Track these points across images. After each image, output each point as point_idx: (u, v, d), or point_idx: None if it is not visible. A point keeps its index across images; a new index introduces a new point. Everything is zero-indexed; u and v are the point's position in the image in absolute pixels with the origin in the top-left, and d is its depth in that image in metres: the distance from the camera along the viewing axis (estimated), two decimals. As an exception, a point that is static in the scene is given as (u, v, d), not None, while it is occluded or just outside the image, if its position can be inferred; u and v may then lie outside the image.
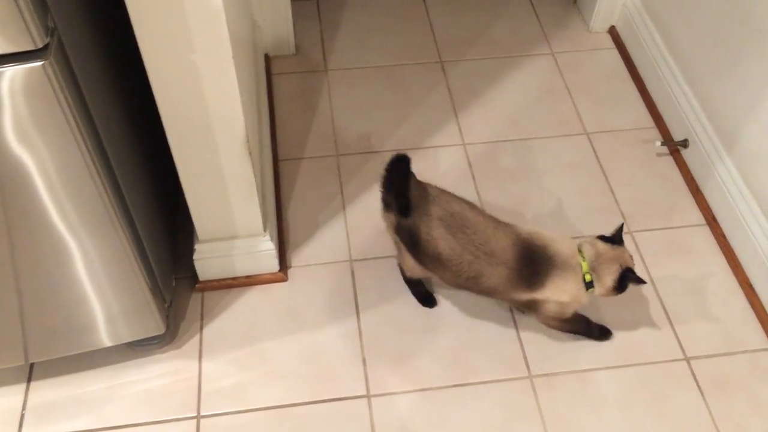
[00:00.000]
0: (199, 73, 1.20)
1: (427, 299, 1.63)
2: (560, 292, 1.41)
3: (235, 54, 1.23)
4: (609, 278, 1.40)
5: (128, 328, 1.43)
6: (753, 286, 1.66)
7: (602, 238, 1.45)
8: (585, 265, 1.40)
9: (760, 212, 1.64)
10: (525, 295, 1.43)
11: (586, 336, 1.58)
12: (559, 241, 1.43)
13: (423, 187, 1.45)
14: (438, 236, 1.39)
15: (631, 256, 1.44)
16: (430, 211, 1.40)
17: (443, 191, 1.46)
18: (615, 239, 1.44)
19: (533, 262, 1.39)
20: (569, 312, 1.47)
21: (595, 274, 1.40)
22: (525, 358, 1.57)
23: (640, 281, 1.40)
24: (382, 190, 1.44)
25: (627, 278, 1.39)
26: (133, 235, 1.28)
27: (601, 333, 1.58)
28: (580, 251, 1.42)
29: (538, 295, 1.42)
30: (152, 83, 1.21)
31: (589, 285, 1.41)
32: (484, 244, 1.39)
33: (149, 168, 1.47)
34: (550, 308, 1.45)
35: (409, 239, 1.44)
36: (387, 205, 1.45)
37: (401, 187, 1.40)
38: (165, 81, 1.21)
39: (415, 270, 1.53)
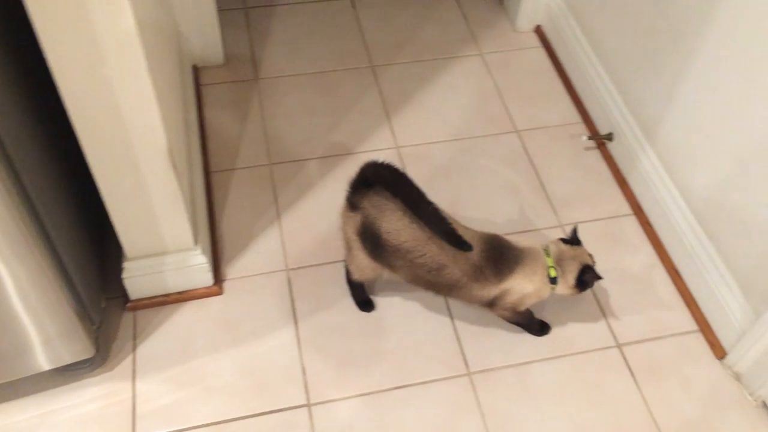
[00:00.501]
0: (114, 87, 1.17)
1: (365, 303, 1.64)
2: (527, 282, 1.45)
3: (152, 66, 1.21)
4: (570, 275, 1.46)
5: (56, 352, 1.39)
6: (678, 271, 1.71)
7: (563, 240, 1.51)
8: (550, 261, 1.46)
9: (681, 199, 1.70)
10: (488, 288, 1.45)
11: (527, 330, 1.61)
12: (525, 241, 1.50)
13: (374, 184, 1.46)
14: (403, 227, 1.40)
15: (590, 255, 1.49)
16: (381, 203, 1.42)
17: None
18: (573, 241, 1.50)
19: (502, 255, 1.45)
20: (527, 304, 1.51)
21: (560, 270, 1.46)
22: (463, 355, 1.58)
23: (597, 277, 1.48)
24: (349, 191, 1.45)
25: (586, 274, 1.45)
26: (53, 258, 1.25)
27: (541, 328, 1.62)
28: (545, 250, 1.48)
29: (505, 284, 1.45)
30: (64, 100, 1.18)
31: (552, 281, 1.45)
32: (437, 243, 1.41)
33: (73, 188, 1.43)
34: (511, 299, 1.48)
35: (372, 234, 1.42)
36: (353, 205, 1.44)
37: (363, 186, 1.44)
38: (78, 97, 1.18)
39: (366, 271, 1.53)
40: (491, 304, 1.50)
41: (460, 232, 1.40)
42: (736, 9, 1.43)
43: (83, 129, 1.23)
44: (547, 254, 1.47)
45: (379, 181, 1.43)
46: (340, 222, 1.51)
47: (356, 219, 1.44)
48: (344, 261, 1.61)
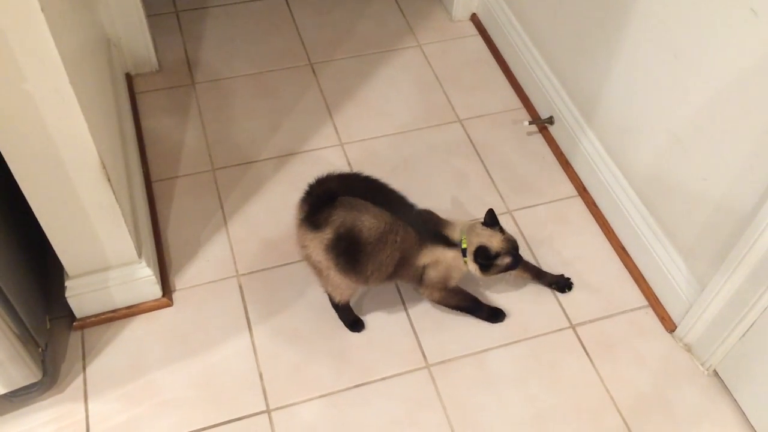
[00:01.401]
0: (36, 103, 1.13)
1: (355, 323, 1.60)
2: (440, 254, 1.47)
3: (75, 79, 1.17)
4: (471, 254, 1.46)
5: (1, 378, 1.34)
6: (626, 248, 1.75)
7: (483, 223, 1.51)
8: (463, 237, 1.47)
9: (622, 177, 1.73)
10: (418, 256, 1.46)
11: (476, 316, 1.61)
12: (452, 219, 1.52)
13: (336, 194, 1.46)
14: (379, 215, 1.41)
15: (509, 241, 1.48)
16: (353, 203, 1.41)
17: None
18: (488, 223, 1.50)
19: (429, 224, 1.47)
20: (452, 282, 1.52)
21: (469, 248, 1.47)
22: (421, 348, 1.58)
23: (495, 264, 1.47)
24: (307, 211, 1.42)
25: (479, 255, 1.45)
26: (-13, 282, 1.20)
27: (494, 314, 1.62)
28: (462, 227, 1.49)
29: (424, 257, 1.46)
30: (-15, 118, 1.13)
31: (464, 253, 1.47)
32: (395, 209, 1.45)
33: (6, 207, 1.38)
34: (432, 275, 1.49)
35: (351, 239, 1.40)
36: (316, 225, 1.41)
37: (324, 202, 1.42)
38: None
39: (344, 289, 1.50)
40: (420, 281, 1.51)
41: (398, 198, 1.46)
42: (662, -12, 1.46)
43: (8, 147, 1.19)
44: (462, 232, 1.49)
45: (347, 191, 1.42)
46: (301, 247, 1.47)
47: (323, 237, 1.41)
48: (322, 288, 1.58)
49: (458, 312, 1.61)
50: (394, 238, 1.42)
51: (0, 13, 1.01)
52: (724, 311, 1.45)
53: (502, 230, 1.50)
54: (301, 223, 1.44)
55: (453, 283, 1.53)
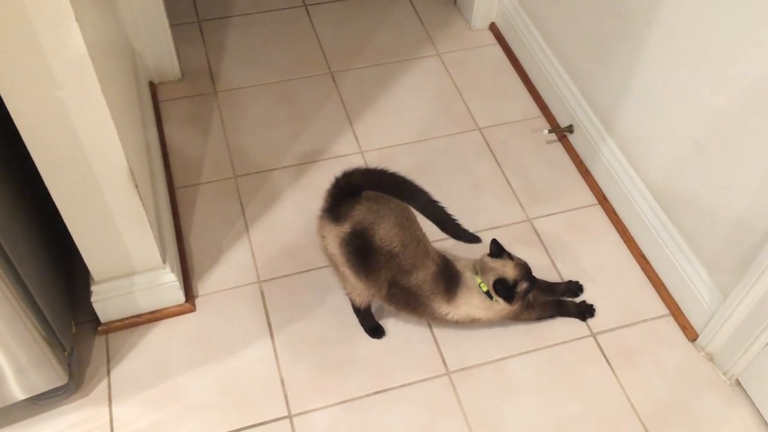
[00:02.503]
0: (68, 109, 1.15)
1: (375, 330, 1.61)
2: (469, 308, 1.48)
3: (106, 86, 1.19)
4: (492, 290, 1.45)
5: (29, 381, 1.36)
6: (646, 257, 1.74)
7: (490, 254, 1.50)
8: (478, 278, 1.46)
9: (643, 186, 1.73)
10: (442, 305, 1.46)
11: (564, 316, 1.65)
12: (460, 262, 1.50)
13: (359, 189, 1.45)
14: (395, 232, 1.40)
15: (519, 265, 1.47)
16: (380, 211, 1.41)
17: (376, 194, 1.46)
18: (494, 254, 1.49)
19: (451, 273, 1.47)
20: (487, 321, 1.54)
21: (489, 286, 1.46)
22: (441, 355, 1.59)
23: (522, 287, 1.46)
24: (330, 202, 1.43)
25: (497, 288, 1.43)
26: (19, 287, 1.22)
27: (583, 310, 1.65)
28: (474, 267, 1.48)
29: (454, 307, 1.47)
30: (18, 125, 1.15)
31: (489, 295, 1.46)
32: (421, 239, 1.44)
33: (35, 213, 1.40)
34: (469, 321, 1.51)
35: (362, 242, 1.40)
36: (336, 216, 1.41)
37: (348, 195, 1.43)
38: (31, 121, 1.16)
39: (362, 291, 1.50)
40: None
41: (423, 244, 1.44)
42: (683, -3, 1.47)
43: (39, 153, 1.21)
44: (476, 272, 1.47)
45: (372, 186, 1.41)
46: (320, 237, 1.47)
47: (340, 230, 1.41)
48: (344, 290, 1.58)
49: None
50: (408, 268, 1.41)
51: (34, 20, 1.03)
52: (747, 320, 1.45)
53: (510, 256, 1.49)
54: (323, 213, 1.45)
55: (497, 320, 1.55)
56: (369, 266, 1.42)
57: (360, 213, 1.40)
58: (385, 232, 1.39)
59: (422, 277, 1.42)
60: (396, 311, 1.53)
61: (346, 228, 1.41)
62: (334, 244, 1.44)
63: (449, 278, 1.46)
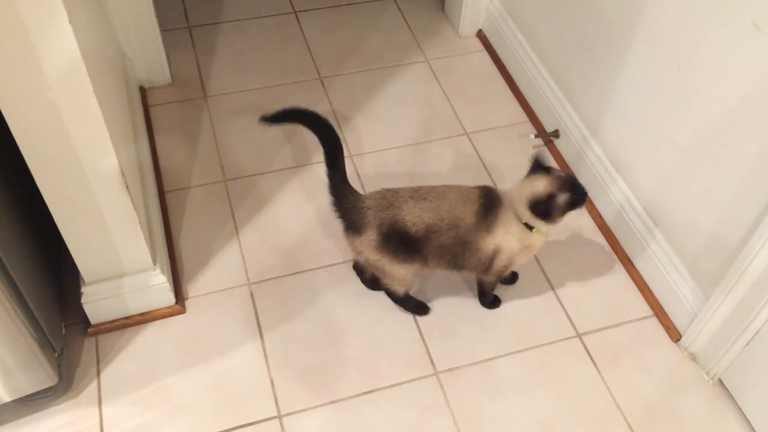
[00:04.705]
0: (60, 111, 1.17)
1: (422, 307, 1.65)
2: (509, 237, 1.43)
3: (98, 89, 1.21)
4: (525, 213, 1.39)
5: (16, 383, 1.36)
6: (631, 259, 1.77)
7: (529, 173, 1.43)
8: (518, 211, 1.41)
9: (628, 190, 1.76)
10: (487, 242, 1.43)
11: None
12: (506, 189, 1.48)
13: (358, 195, 1.49)
14: (420, 209, 1.41)
15: (555, 178, 1.37)
16: (395, 201, 1.44)
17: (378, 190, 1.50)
18: (535, 169, 1.41)
19: (492, 206, 1.43)
20: (518, 262, 1.54)
21: (523, 214, 1.40)
22: (429, 355, 1.60)
23: (554, 209, 1.36)
24: (342, 218, 1.47)
25: (534, 210, 1.36)
26: (9, 288, 1.22)
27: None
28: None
29: (493, 238, 1.43)
30: (10, 126, 1.16)
31: (529, 227, 1.41)
32: (445, 192, 1.44)
33: (25, 213, 1.41)
34: (502, 260, 1.48)
35: (398, 234, 1.42)
36: (356, 228, 1.45)
37: (351, 198, 1.46)
38: (24, 123, 1.17)
39: (407, 277, 1.53)
40: (487, 270, 1.50)
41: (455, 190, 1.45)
42: (664, 3, 1.50)
43: (31, 154, 1.22)
44: (512, 202, 1.42)
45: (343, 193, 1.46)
46: (354, 254, 1.53)
47: (369, 238, 1.45)
48: (385, 287, 1.61)
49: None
50: (449, 226, 1.42)
51: (27, 22, 1.05)
52: (728, 320, 1.48)
53: (549, 170, 1.39)
54: (345, 232, 1.49)
55: (517, 264, 1.54)
56: (416, 251, 1.45)
57: (373, 214, 1.44)
58: (412, 215, 1.42)
59: (468, 221, 1.42)
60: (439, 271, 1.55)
61: (372, 235, 1.44)
62: (370, 252, 1.48)
63: (489, 209, 1.43)
